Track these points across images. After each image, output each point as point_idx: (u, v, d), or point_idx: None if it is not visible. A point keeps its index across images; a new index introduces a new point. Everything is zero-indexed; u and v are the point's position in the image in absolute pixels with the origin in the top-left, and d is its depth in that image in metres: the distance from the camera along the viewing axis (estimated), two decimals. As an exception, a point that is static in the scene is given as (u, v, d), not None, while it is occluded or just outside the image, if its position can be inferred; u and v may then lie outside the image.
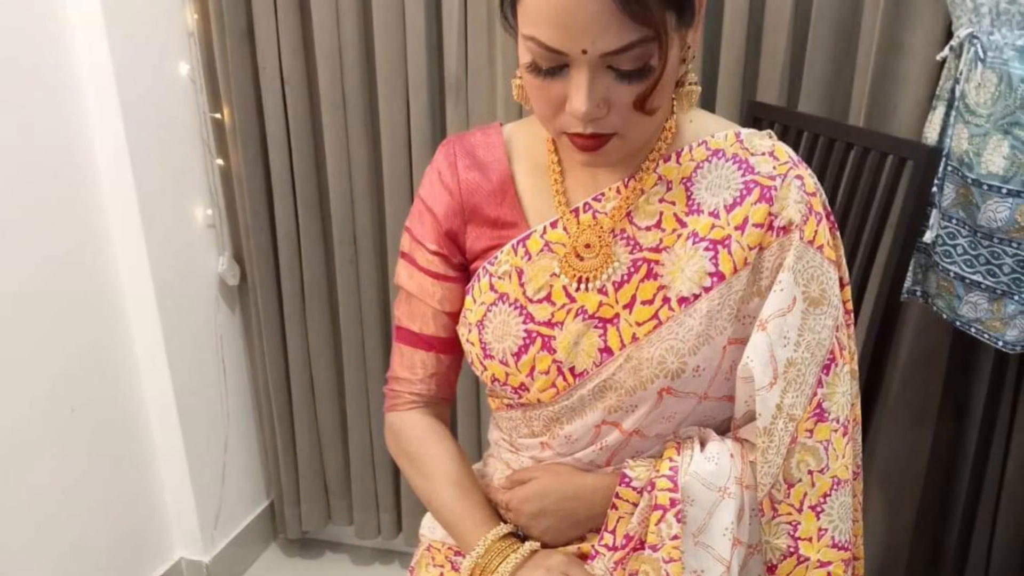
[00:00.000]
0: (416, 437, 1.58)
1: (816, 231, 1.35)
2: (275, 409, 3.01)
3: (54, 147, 2.36)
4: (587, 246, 1.40)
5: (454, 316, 1.53)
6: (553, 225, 1.42)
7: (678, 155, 1.39)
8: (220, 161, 2.78)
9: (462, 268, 1.52)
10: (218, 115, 2.72)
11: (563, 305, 1.40)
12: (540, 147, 1.47)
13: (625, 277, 1.38)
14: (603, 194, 1.40)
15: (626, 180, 1.40)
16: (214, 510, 2.97)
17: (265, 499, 3.24)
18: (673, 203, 1.38)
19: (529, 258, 1.43)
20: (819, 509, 1.36)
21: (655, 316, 1.36)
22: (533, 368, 1.41)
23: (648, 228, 1.38)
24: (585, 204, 1.41)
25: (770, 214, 1.34)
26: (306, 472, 3.06)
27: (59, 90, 2.36)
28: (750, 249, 1.34)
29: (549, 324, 1.40)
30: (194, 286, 2.79)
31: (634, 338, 1.37)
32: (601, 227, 1.40)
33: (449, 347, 1.56)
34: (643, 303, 1.37)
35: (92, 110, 2.43)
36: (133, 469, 2.76)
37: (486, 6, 2.38)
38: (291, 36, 2.56)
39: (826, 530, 1.36)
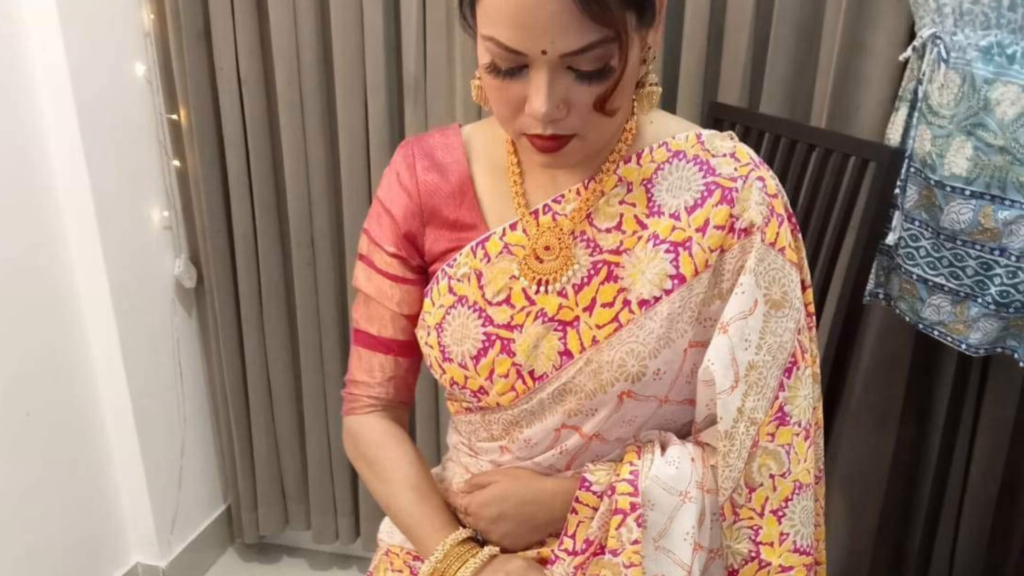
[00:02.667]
0: (374, 441, 1.57)
1: (778, 233, 1.35)
2: (232, 412, 2.98)
3: (8, 148, 2.33)
4: (547, 248, 1.38)
5: (413, 319, 1.52)
6: (512, 227, 1.41)
7: (639, 156, 1.38)
8: (176, 162, 2.76)
9: (421, 270, 1.51)
10: (174, 116, 2.70)
11: (522, 308, 1.39)
12: (499, 148, 1.46)
13: (585, 279, 1.37)
14: (563, 196, 1.39)
15: (586, 182, 1.39)
16: (170, 514, 2.94)
17: (222, 503, 3.22)
18: (633, 205, 1.37)
19: (488, 260, 1.41)
20: (781, 513, 1.35)
21: (615, 319, 1.35)
22: (492, 371, 1.40)
23: (608, 230, 1.37)
24: (545, 206, 1.40)
25: (731, 216, 1.34)
26: (263, 476, 3.04)
27: (13, 90, 2.32)
28: (711, 251, 1.33)
29: (508, 327, 1.39)
30: (150, 288, 2.76)
31: (594, 341, 1.36)
32: (561, 229, 1.38)
33: (408, 350, 1.55)
34: (603, 306, 1.36)
35: (47, 111, 2.40)
36: (89, 473, 2.73)
37: (445, 6, 2.37)
38: (248, 36, 2.53)
39: (788, 535, 1.36)
